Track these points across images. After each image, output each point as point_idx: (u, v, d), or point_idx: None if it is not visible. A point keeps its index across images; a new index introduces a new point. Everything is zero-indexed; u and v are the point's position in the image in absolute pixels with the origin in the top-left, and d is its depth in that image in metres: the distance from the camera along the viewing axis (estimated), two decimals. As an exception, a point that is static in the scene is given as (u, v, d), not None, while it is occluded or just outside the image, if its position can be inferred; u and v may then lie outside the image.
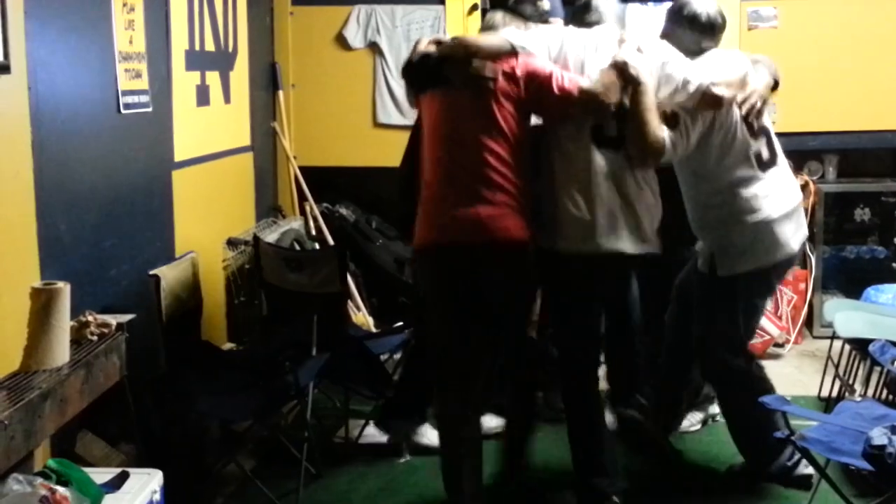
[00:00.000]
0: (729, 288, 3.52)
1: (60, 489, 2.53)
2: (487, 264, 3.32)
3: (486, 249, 3.28)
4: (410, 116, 5.48)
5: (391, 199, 5.71)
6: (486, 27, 3.75)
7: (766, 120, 3.57)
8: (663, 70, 3.31)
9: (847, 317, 4.28)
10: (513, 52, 3.27)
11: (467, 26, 5.55)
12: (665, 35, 3.59)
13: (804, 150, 5.64)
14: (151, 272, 3.75)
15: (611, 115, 3.30)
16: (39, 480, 2.53)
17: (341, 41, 5.71)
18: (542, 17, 3.71)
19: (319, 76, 5.75)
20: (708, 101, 3.32)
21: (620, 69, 3.22)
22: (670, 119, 3.30)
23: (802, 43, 5.49)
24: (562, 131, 3.38)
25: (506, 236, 3.26)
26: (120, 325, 3.21)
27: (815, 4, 5.52)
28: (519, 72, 3.27)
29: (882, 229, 5.64)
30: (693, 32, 3.53)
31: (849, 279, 5.60)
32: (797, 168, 5.68)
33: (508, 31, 3.37)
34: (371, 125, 5.71)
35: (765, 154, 3.51)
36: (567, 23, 3.67)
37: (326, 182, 5.73)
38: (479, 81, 3.25)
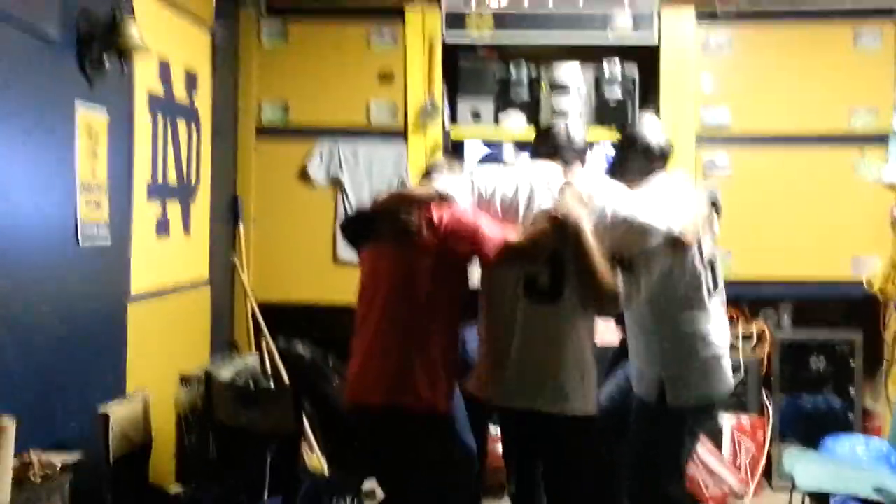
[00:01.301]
0: (677, 418, 3.51)
1: None
2: (377, 428, 3.30)
3: (377, 413, 3.27)
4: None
5: (350, 336, 5.69)
6: (429, 171, 3.76)
7: (710, 247, 3.60)
8: (621, 219, 3.26)
9: (807, 469, 4.24)
10: (442, 200, 3.29)
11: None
12: (618, 162, 3.70)
13: (760, 298, 5.70)
14: (101, 410, 3.62)
15: (544, 267, 3.27)
16: None
17: (304, 176, 5.72)
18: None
19: (281, 210, 5.74)
20: (675, 245, 3.35)
21: (557, 222, 3.20)
22: (626, 267, 3.27)
23: (756, 192, 5.61)
24: (490, 281, 3.40)
25: (391, 402, 3.23)
26: (65, 466, 3.08)
27: (766, 156, 5.65)
28: (442, 224, 3.28)
29: (837, 379, 5.66)
30: (646, 161, 3.63)
31: (806, 428, 5.57)
32: (753, 316, 5.76)
33: (440, 179, 3.40)
34: (331, 262, 5.68)
35: (710, 283, 3.56)
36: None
37: (284, 318, 5.64)
38: (405, 233, 3.27)
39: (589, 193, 3.30)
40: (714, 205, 3.66)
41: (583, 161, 3.54)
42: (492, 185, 3.38)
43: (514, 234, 3.23)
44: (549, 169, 3.43)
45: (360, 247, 3.53)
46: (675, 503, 3.60)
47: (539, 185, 3.35)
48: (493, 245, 3.20)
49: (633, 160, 3.65)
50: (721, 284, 3.64)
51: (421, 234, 3.25)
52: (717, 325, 3.56)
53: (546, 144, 3.51)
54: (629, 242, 3.28)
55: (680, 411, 3.49)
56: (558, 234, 3.19)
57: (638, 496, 3.68)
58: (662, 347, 3.51)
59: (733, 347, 4.43)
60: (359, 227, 3.45)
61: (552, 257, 3.25)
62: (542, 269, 3.27)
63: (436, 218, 3.28)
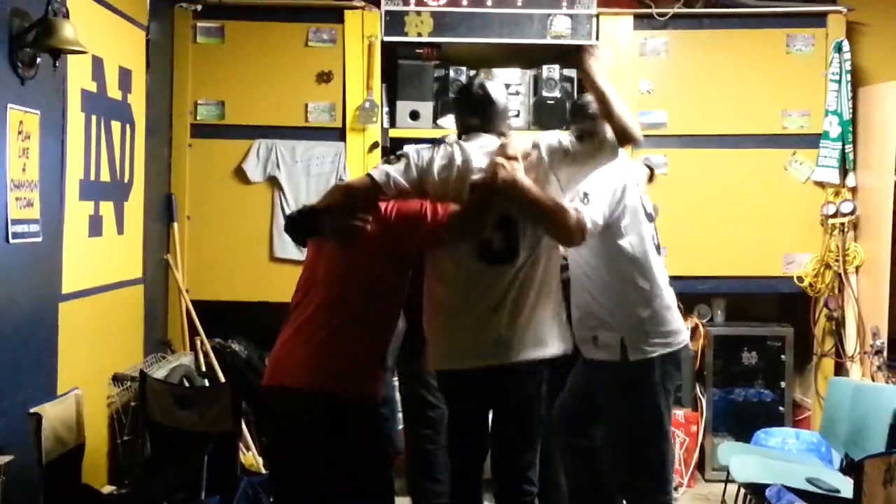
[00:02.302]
0: (644, 372, 3.57)
1: None
2: (305, 415, 3.26)
3: (304, 397, 3.23)
4: (308, 251, 5.49)
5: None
6: None
7: (650, 206, 3.72)
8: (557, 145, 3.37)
9: (742, 461, 4.33)
10: (379, 190, 3.29)
11: (367, 163, 5.59)
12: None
13: (694, 294, 5.78)
14: (32, 410, 3.55)
15: (497, 230, 3.31)
16: None
17: (240, 174, 5.67)
18: None
19: (216, 209, 5.68)
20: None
21: (488, 187, 3.24)
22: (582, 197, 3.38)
23: (692, 190, 5.69)
24: (438, 257, 3.39)
25: (324, 388, 3.21)
26: (-3, 468, 3.02)
27: (701, 156, 5.74)
28: (387, 210, 3.29)
29: (768, 373, 5.77)
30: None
31: (738, 421, 5.68)
32: (687, 311, 5.84)
33: (378, 168, 3.40)
34: (268, 259, 5.64)
35: (656, 238, 3.68)
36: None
37: (219, 316, 5.61)
38: (347, 230, 3.26)
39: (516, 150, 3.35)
40: (649, 168, 3.86)
41: (508, 123, 3.56)
42: (427, 155, 3.39)
43: (452, 206, 3.27)
44: (484, 142, 3.43)
45: (305, 242, 3.51)
46: (659, 461, 3.64)
47: (475, 154, 3.37)
48: (440, 212, 3.24)
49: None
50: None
51: (365, 232, 3.24)
52: (664, 279, 3.68)
53: (474, 115, 3.48)
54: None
55: (645, 364, 3.56)
56: (493, 194, 3.24)
57: (624, 462, 3.70)
58: (617, 307, 3.57)
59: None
60: (302, 225, 3.42)
61: (502, 219, 3.31)
62: (495, 233, 3.32)
63: (379, 211, 3.29)
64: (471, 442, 3.54)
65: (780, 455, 4.74)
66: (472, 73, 5.82)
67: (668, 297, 3.68)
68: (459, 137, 3.55)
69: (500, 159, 3.28)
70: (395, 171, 3.35)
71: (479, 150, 3.37)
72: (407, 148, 3.51)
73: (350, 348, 3.24)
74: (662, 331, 3.61)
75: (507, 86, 5.65)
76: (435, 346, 3.45)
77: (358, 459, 3.29)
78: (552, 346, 3.38)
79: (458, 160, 3.36)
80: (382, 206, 3.30)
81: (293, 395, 3.25)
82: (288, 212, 5.54)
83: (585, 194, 3.40)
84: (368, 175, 3.37)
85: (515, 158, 3.30)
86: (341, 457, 3.27)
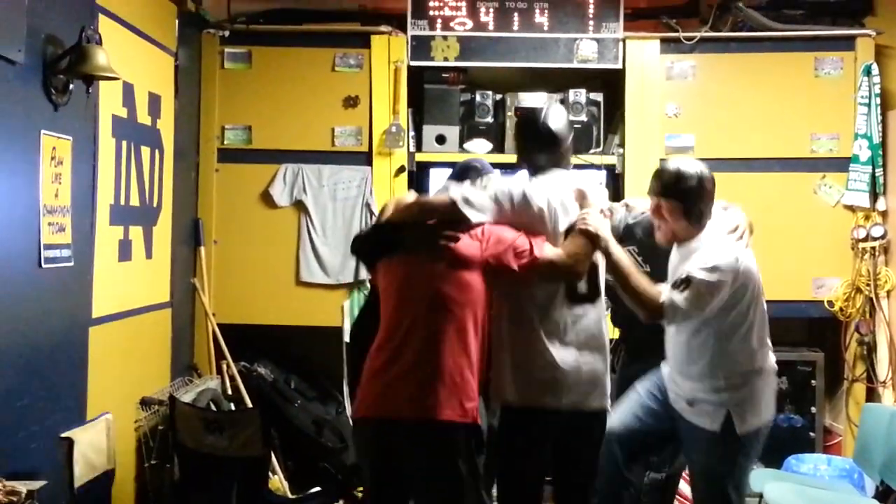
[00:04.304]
0: (746, 445, 3.52)
1: None
2: (414, 444, 3.19)
3: (414, 428, 3.17)
4: (334, 276, 5.50)
5: (312, 358, 5.67)
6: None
7: None
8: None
9: (777, 488, 4.28)
10: (456, 208, 3.23)
11: (394, 188, 5.60)
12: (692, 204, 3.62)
13: (723, 319, 5.73)
14: (64, 434, 3.55)
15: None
16: None
17: (266, 198, 5.68)
18: None
19: (242, 233, 5.69)
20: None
21: (590, 238, 3.28)
22: (680, 283, 3.35)
23: (720, 216, 5.64)
24: (518, 290, 3.36)
25: (433, 416, 3.14)
26: (30, 493, 3.02)
27: (729, 179, 5.66)
28: (482, 235, 3.25)
29: (798, 398, 5.69)
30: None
31: (767, 447, 5.55)
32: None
33: (461, 188, 3.35)
34: (294, 283, 5.64)
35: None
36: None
37: (245, 340, 5.60)
38: (436, 245, 3.22)
39: (605, 209, 3.47)
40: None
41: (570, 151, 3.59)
42: (518, 193, 3.35)
43: (549, 246, 3.26)
44: (560, 182, 3.45)
45: (378, 261, 3.41)
46: None
47: (562, 200, 3.39)
48: (536, 253, 3.22)
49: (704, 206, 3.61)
50: None
51: (460, 254, 3.21)
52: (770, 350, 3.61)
53: (541, 153, 3.50)
54: None
55: (748, 437, 3.50)
56: (593, 247, 3.30)
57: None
58: (742, 368, 3.49)
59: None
60: (380, 242, 3.36)
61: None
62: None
63: (476, 232, 3.25)
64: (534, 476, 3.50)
65: (813, 482, 4.67)
66: (500, 98, 5.81)
67: (774, 372, 3.62)
68: (528, 170, 3.55)
69: (588, 211, 3.34)
70: (479, 199, 3.30)
71: (558, 188, 3.40)
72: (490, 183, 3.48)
73: (455, 374, 3.17)
74: (769, 400, 3.54)
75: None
76: (503, 381, 3.38)
77: (461, 484, 3.21)
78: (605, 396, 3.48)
79: (542, 203, 3.35)
80: (478, 230, 3.26)
81: (406, 427, 3.18)
82: (314, 236, 5.59)
83: (687, 280, 3.34)
84: (449, 197, 3.30)
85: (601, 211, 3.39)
86: (443, 479, 3.21)
